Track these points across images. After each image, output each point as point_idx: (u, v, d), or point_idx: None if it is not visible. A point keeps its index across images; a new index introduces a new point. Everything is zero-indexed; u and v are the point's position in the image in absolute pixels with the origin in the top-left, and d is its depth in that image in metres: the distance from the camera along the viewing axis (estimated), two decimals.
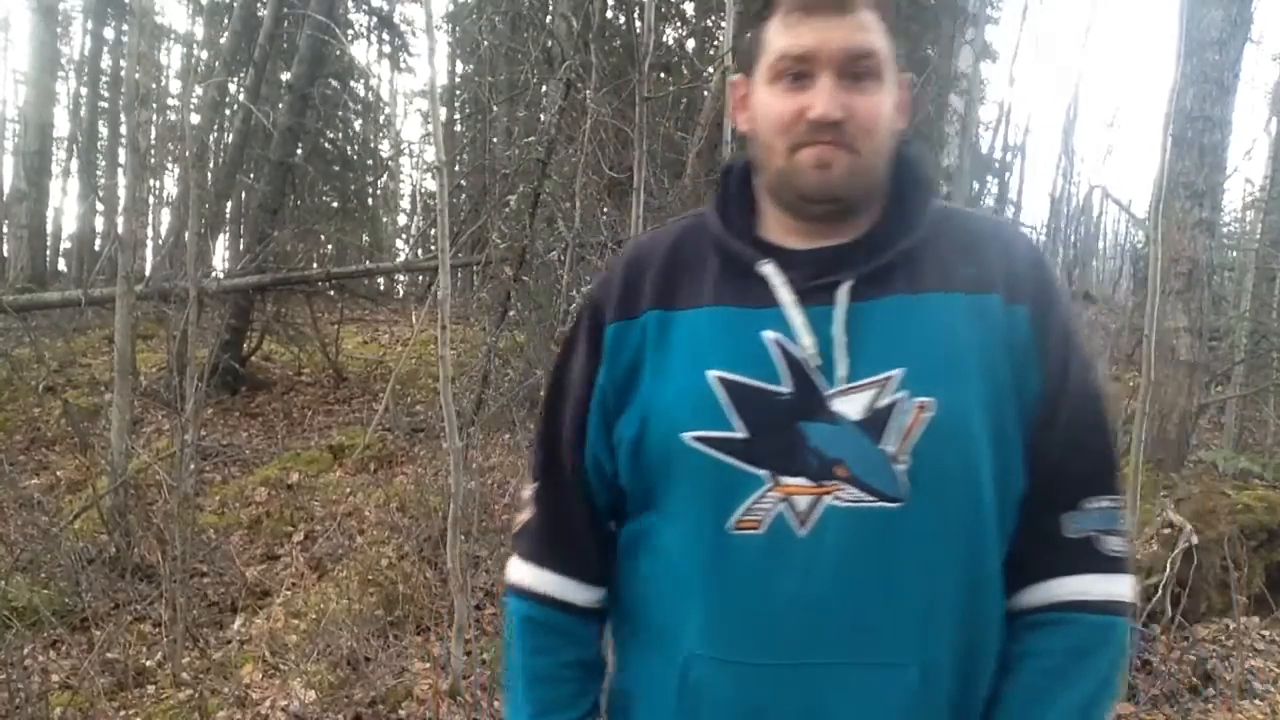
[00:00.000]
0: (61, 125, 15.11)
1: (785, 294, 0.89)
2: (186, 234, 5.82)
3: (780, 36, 0.89)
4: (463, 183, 10.42)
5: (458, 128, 13.70)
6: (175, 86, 15.75)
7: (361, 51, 17.02)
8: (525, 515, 1.04)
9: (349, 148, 13.23)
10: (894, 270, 0.89)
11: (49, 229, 13.97)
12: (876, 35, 0.89)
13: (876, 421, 0.85)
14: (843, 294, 0.88)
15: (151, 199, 15.54)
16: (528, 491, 1.05)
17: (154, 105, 14.44)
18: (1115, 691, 0.91)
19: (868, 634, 0.86)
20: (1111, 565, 0.90)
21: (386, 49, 17.51)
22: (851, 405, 0.86)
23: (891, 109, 0.91)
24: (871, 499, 0.85)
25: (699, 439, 0.88)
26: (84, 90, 15.72)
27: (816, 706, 0.87)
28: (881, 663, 0.86)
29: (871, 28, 0.89)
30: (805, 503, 0.85)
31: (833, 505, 0.85)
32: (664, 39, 11.94)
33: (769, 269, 0.90)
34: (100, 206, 13.74)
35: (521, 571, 1.03)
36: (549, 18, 7.03)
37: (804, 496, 0.85)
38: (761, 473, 0.86)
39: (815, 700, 0.87)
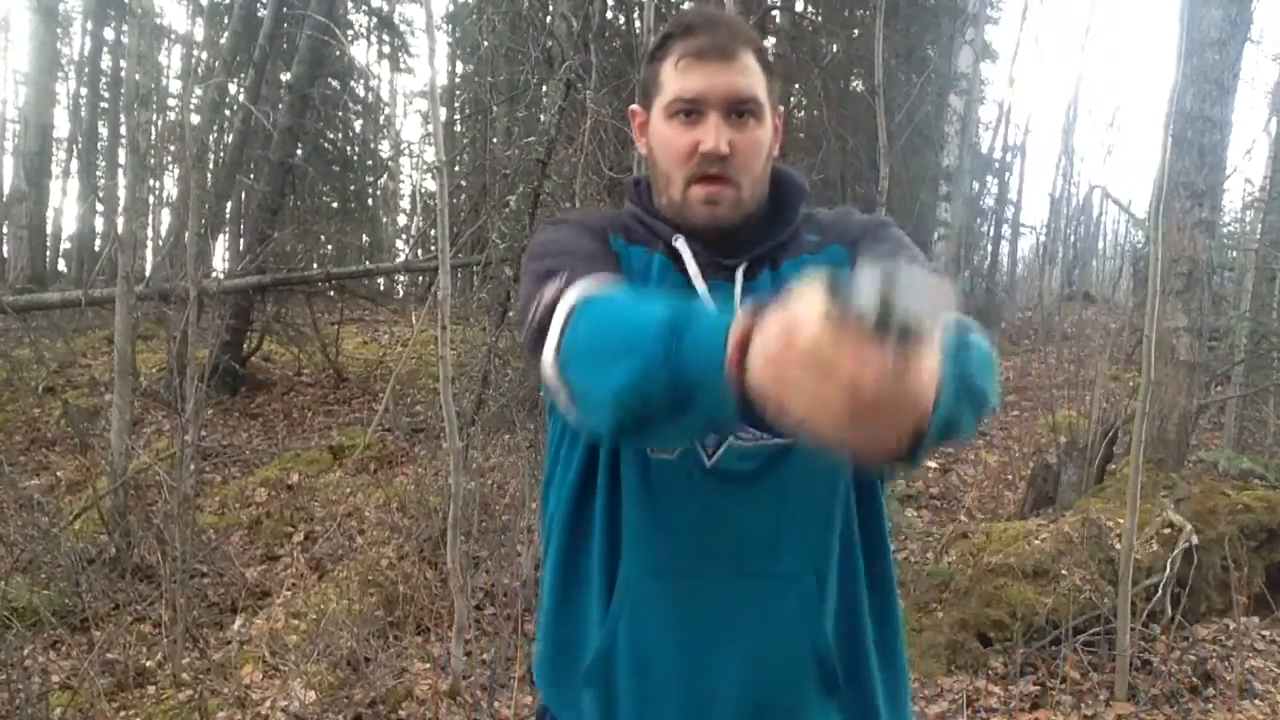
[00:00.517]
0: (61, 126, 15.12)
1: (694, 270, 1.06)
2: (186, 234, 5.82)
3: (674, 80, 1.05)
4: (463, 183, 10.42)
5: (457, 128, 13.69)
6: (175, 87, 15.74)
7: (361, 52, 17.02)
8: (553, 289, 0.96)
9: (349, 148, 13.23)
10: (767, 256, 1.08)
11: (49, 229, 13.97)
12: (756, 79, 1.05)
13: None
14: (739, 274, 1.06)
15: (151, 199, 15.53)
16: (549, 291, 0.96)
17: (154, 106, 14.42)
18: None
19: (770, 548, 1.02)
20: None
21: (386, 49, 17.51)
22: None
23: (768, 141, 1.08)
24: (768, 437, 0.99)
25: None
26: (84, 91, 15.72)
27: (730, 610, 1.02)
28: (782, 572, 1.02)
29: (752, 73, 1.05)
30: (712, 440, 1.01)
31: (734, 444, 1.01)
32: None
33: (681, 244, 1.08)
34: (100, 207, 13.74)
35: (572, 292, 0.94)
36: (549, 18, 7.03)
37: (710, 436, 1.00)
38: None
39: (728, 604, 1.02)
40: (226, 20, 11.10)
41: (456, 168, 10.78)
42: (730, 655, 1.02)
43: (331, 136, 12.20)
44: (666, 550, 1.03)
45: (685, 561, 1.03)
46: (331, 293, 10.04)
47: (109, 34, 15.45)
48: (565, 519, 1.10)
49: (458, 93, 14.20)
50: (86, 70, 15.57)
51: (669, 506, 1.02)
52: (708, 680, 1.02)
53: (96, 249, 13.37)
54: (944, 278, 0.59)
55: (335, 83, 12.13)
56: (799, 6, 12.59)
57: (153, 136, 14.25)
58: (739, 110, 1.04)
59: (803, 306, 0.63)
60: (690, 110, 1.04)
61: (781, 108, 1.13)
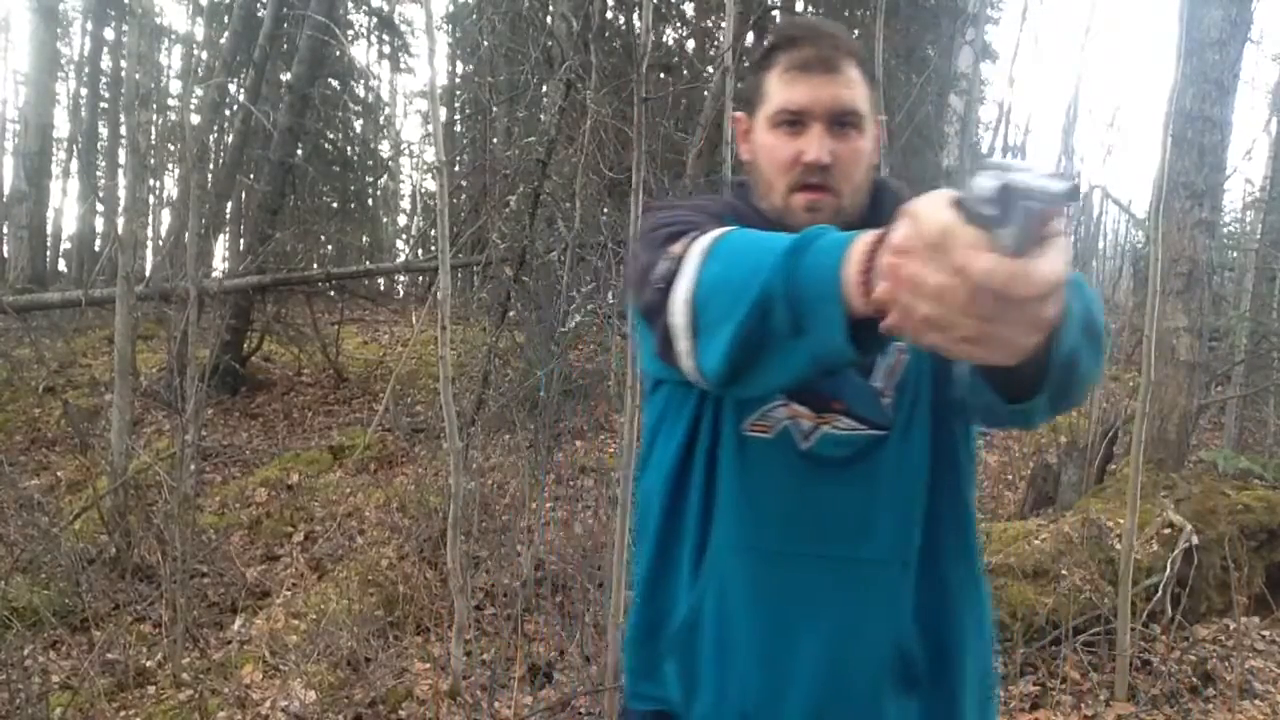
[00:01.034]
0: (61, 126, 15.12)
1: None
2: (186, 234, 5.82)
3: (780, 91, 1.09)
4: (463, 183, 10.41)
5: (458, 128, 13.69)
6: (175, 87, 15.73)
7: (361, 52, 17.02)
8: (684, 242, 0.94)
9: (349, 148, 13.23)
10: None
11: (49, 229, 13.98)
12: (859, 90, 1.08)
13: (866, 363, 1.04)
14: None
15: (151, 199, 15.53)
16: (678, 246, 0.94)
17: (154, 106, 14.41)
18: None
19: (857, 535, 1.03)
20: None
21: (386, 49, 17.52)
22: None
23: (869, 151, 1.10)
24: (864, 427, 1.04)
25: None
26: (84, 91, 15.72)
27: (814, 594, 1.04)
28: (868, 559, 1.03)
29: (855, 84, 1.08)
30: (808, 426, 1.05)
31: (829, 432, 1.04)
32: (664, 39, 11.94)
33: None
34: (100, 207, 13.74)
35: (706, 237, 0.93)
36: (549, 18, 7.03)
37: (807, 421, 1.04)
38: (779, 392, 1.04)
39: (812, 588, 1.04)
40: (226, 20, 11.10)
41: (456, 168, 10.78)
42: (811, 639, 1.03)
43: (332, 136, 12.19)
44: (756, 528, 1.05)
45: (773, 541, 1.05)
46: (332, 293, 10.04)
47: (109, 34, 15.45)
48: (664, 497, 1.12)
49: (458, 93, 14.20)
50: (86, 70, 15.57)
51: (761, 486, 1.05)
52: (787, 662, 1.04)
53: (97, 249, 13.38)
54: (1063, 175, 0.59)
55: (335, 83, 12.14)
56: (799, 6, 12.59)
57: (153, 136, 14.25)
58: (841, 121, 1.07)
59: (929, 202, 0.64)
60: (794, 121, 1.08)
61: (883, 116, 1.16)
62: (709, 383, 0.93)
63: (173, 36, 15.97)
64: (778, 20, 11.81)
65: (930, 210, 0.63)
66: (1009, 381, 0.84)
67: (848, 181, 1.08)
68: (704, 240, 0.91)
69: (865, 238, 0.72)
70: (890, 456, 1.04)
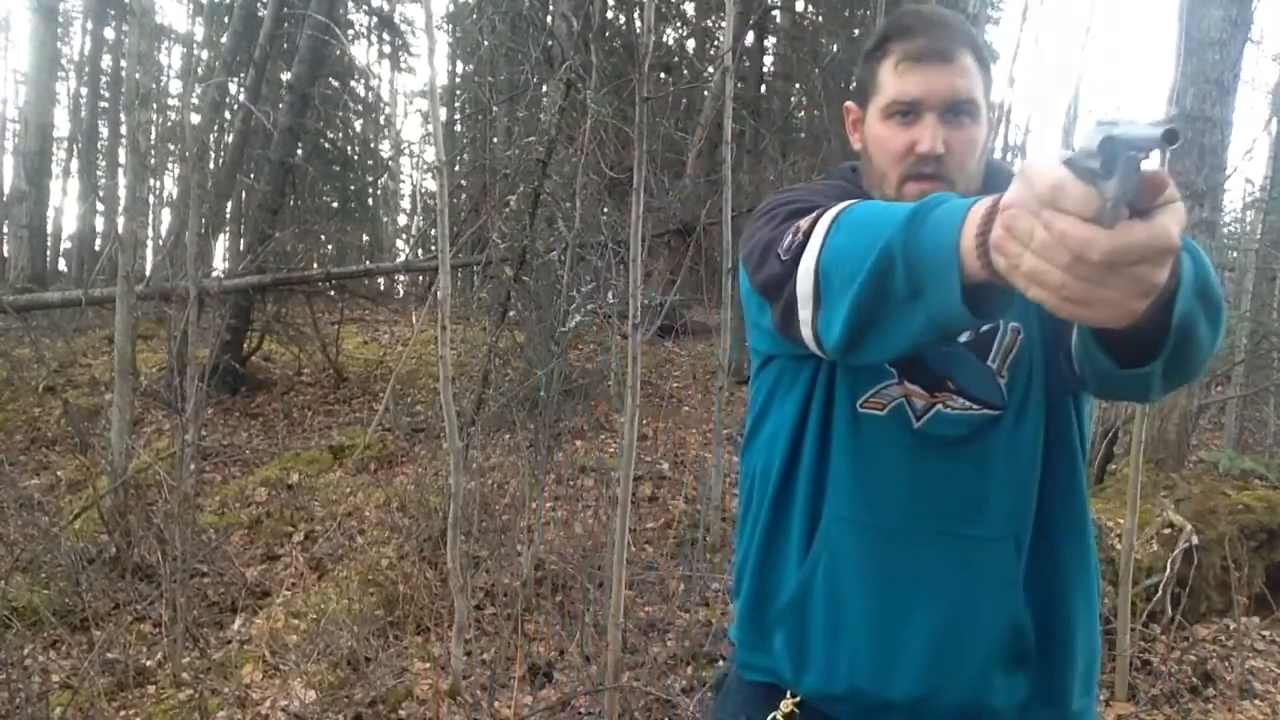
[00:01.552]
0: (62, 125, 15.12)
1: None
2: (187, 234, 5.81)
3: (893, 81, 1.08)
4: (463, 183, 10.42)
5: (458, 128, 13.70)
6: (175, 86, 15.74)
7: (362, 51, 17.03)
8: (810, 218, 0.98)
9: (349, 148, 13.23)
10: None
11: (49, 229, 13.98)
12: (974, 80, 1.08)
13: (982, 343, 1.06)
14: None
15: (152, 199, 15.54)
16: (805, 221, 0.98)
17: (154, 105, 14.42)
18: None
19: (970, 513, 1.04)
20: None
21: (387, 49, 17.54)
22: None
23: (982, 138, 1.10)
24: (977, 407, 1.05)
25: None
26: (84, 90, 15.73)
27: (926, 570, 1.04)
28: (981, 537, 1.04)
29: (970, 74, 1.08)
30: (921, 405, 1.06)
31: (942, 411, 1.05)
32: (664, 39, 11.95)
33: None
34: (100, 206, 13.74)
35: (832, 210, 0.97)
36: (549, 18, 7.03)
37: (920, 400, 1.06)
38: (892, 369, 1.06)
39: (925, 564, 1.04)
40: (227, 20, 11.10)
41: (457, 167, 10.78)
42: (923, 615, 1.04)
43: (332, 136, 12.20)
44: (868, 504, 1.06)
45: (886, 518, 1.06)
46: (332, 292, 10.03)
47: (109, 33, 15.46)
48: (777, 470, 1.13)
49: (458, 92, 14.22)
50: (87, 70, 15.58)
51: (874, 462, 1.06)
52: (898, 637, 1.05)
53: (97, 248, 13.38)
54: (1166, 121, 0.59)
55: (336, 82, 12.14)
56: (799, 6, 12.59)
57: (153, 136, 14.24)
58: (956, 110, 1.07)
59: (1041, 159, 0.65)
60: (908, 111, 1.08)
61: (997, 101, 1.17)
62: (828, 350, 0.94)
63: (173, 36, 15.98)
64: (775, 19, 11.79)
65: (1041, 167, 0.64)
66: (1123, 346, 0.84)
67: (961, 170, 1.08)
68: (830, 213, 0.93)
69: (983, 202, 0.73)
70: (1004, 436, 1.05)
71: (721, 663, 1.22)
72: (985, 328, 1.05)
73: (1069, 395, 1.08)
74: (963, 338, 1.04)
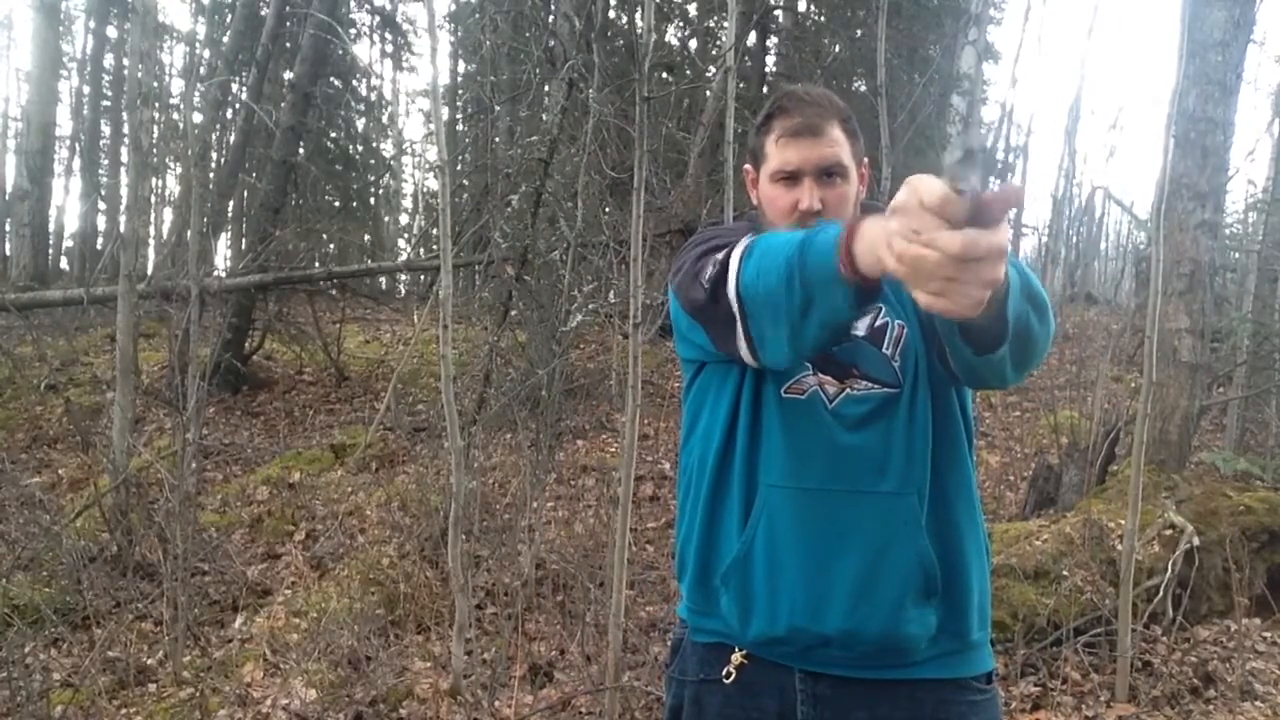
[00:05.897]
0: (64, 124, 15.13)
1: None
2: (189, 233, 5.82)
3: (776, 153, 1.34)
4: (465, 182, 10.42)
5: (460, 127, 13.70)
6: (178, 85, 15.75)
7: (364, 51, 17.03)
8: (727, 250, 1.22)
9: (351, 147, 13.22)
10: None
11: (51, 227, 14.00)
12: (841, 148, 1.33)
13: (877, 335, 1.31)
14: None
15: (154, 198, 15.53)
16: (721, 254, 1.22)
17: (156, 104, 14.41)
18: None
19: (878, 472, 1.25)
20: None
21: (389, 48, 17.53)
22: (860, 327, 1.31)
23: (853, 193, 1.35)
24: (879, 387, 1.28)
25: None
26: (86, 89, 15.73)
27: (847, 522, 1.25)
28: (890, 491, 1.25)
29: (838, 143, 1.32)
30: (833, 390, 1.29)
31: (850, 393, 1.29)
32: (666, 39, 11.94)
33: None
34: (102, 205, 13.75)
35: (743, 243, 1.22)
36: (551, 17, 7.03)
37: (831, 387, 1.29)
38: (808, 364, 1.30)
39: (846, 517, 1.26)
40: (229, 19, 11.11)
41: (459, 167, 10.78)
42: (848, 559, 1.25)
43: (334, 135, 12.20)
44: (797, 473, 1.28)
45: (812, 481, 1.27)
46: (333, 291, 10.03)
47: (111, 32, 15.46)
48: (715, 457, 1.34)
49: (460, 92, 14.20)
50: (89, 68, 15.58)
51: (799, 436, 1.28)
52: (828, 577, 1.25)
53: (99, 247, 13.38)
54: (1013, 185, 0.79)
55: (338, 81, 12.14)
56: (801, 7, 12.58)
57: (155, 135, 14.24)
58: (828, 173, 1.32)
59: (926, 178, 0.79)
60: (790, 177, 1.33)
61: (866, 159, 1.42)
62: (764, 362, 1.20)
63: (175, 35, 16.00)
64: (777, 20, 11.79)
65: (919, 178, 0.79)
66: (977, 335, 1.06)
67: (838, 219, 1.25)
68: (740, 246, 1.19)
69: (843, 226, 0.98)
70: (902, 409, 1.27)
71: (674, 630, 1.45)
72: (879, 323, 1.31)
73: (947, 381, 1.29)
74: (860, 332, 1.30)
